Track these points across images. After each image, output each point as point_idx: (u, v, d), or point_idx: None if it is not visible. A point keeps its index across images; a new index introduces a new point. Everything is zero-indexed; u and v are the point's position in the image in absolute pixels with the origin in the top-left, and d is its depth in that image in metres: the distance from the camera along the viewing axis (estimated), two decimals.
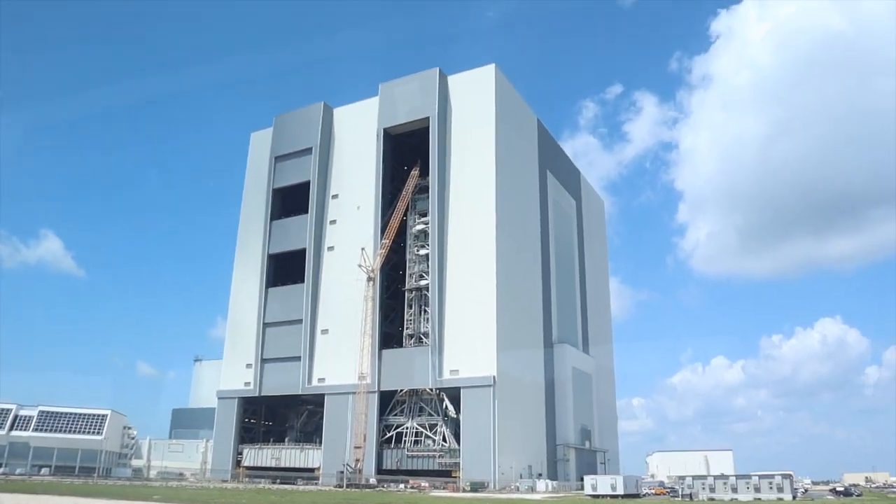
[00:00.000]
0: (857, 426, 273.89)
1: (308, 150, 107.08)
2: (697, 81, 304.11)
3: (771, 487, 54.30)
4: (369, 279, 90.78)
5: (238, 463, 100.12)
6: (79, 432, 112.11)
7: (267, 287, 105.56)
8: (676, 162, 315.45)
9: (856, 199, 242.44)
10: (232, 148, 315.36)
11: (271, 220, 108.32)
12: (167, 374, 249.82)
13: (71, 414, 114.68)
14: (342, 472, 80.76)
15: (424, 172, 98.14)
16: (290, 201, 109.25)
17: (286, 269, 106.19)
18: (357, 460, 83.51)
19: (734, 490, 56.02)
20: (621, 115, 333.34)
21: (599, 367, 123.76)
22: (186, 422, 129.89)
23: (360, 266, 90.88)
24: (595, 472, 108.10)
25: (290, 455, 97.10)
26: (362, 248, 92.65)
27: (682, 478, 64.18)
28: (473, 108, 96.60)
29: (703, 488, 57.83)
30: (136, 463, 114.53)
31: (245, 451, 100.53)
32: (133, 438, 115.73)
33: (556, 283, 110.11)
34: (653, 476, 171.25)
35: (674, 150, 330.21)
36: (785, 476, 54.92)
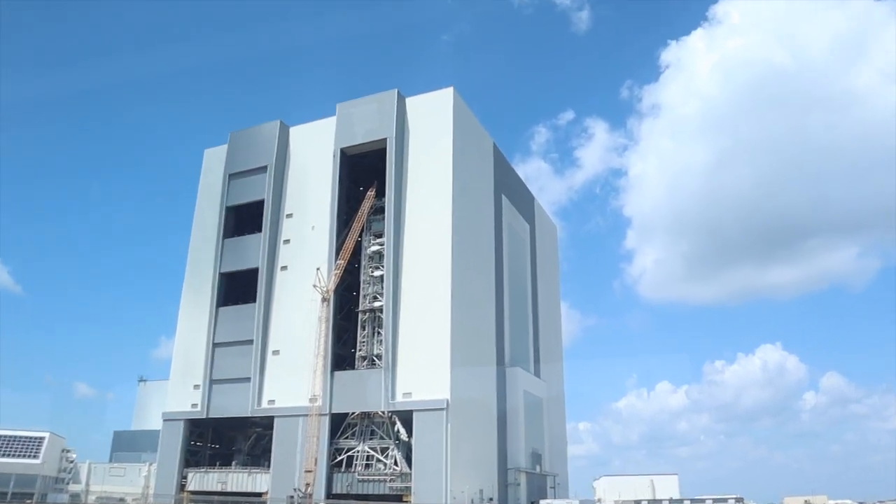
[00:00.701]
0: (794, 450, 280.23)
1: (263, 169, 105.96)
2: (647, 110, 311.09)
3: None
4: (324, 300, 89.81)
5: (182, 487, 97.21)
6: (13, 456, 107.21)
7: (217, 306, 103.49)
8: (625, 188, 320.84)
9: (795, 230, 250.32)
10: (180, 166, 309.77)
11: (224, 238, 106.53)
12: (106, 394, 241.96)
13: (5, 436, 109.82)
14: (292, 497, 79.14)
15: (380, 193, 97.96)
16: (243, 219, 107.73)
17: (238, 288, 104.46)
18: (307, 484, 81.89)
19: None
20: (573, 141, 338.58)
21: (550, 390, 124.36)
22: (128, 444, 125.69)
23: (314, 286, 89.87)
24: (545, 497, 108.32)
25: (237, 479, 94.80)
26: (318, 269, 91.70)
27: (638, 502, 64.66)
28: (431, 130, 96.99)
29: None
30: (74, 488, 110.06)
31: (190, 475, 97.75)
32: (72, 462, 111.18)
33: (509, 307, 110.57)
34: (599, 500, 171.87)
35: (623, 177, 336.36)
36: (737, 500, 55.78)
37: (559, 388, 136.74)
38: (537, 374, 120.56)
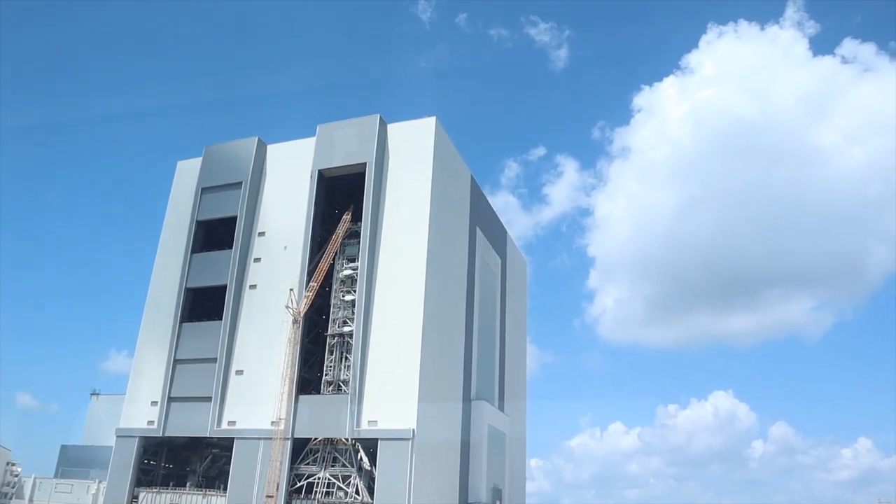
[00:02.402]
0: (741, 497, 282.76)
1: (237, 185, 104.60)
2: (617, 151, 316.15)
3: None
4: (295, 321, 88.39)
5: None
6: None
7: (181, 322, 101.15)
8: (591, 228, 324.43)
9: (754, 280, 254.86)
10: (143, 182, 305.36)
11: (192, 252, 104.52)
12: (50, 406, 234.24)
13: None
14: None
15: (356, 217, 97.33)
16: (213, 235, 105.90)
17: (203, 304, 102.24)
18: None
19: None
20: (542, 177, 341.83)
21: (513, 426, 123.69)
22: (76, 460, 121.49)
23: (287, 307, 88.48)
24: None
25: (190, 501, 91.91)
26: (291, 289, 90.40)
27: None
28: (411, 158, 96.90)
29: None
30: (16, 503, 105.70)
31: (142, 496, 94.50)
32: (16, 476, 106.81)
33: (477, 340, 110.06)
34: None
35: (589, 217, 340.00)
36: None
37: (522, 424, 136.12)
38: (501, 408, 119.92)
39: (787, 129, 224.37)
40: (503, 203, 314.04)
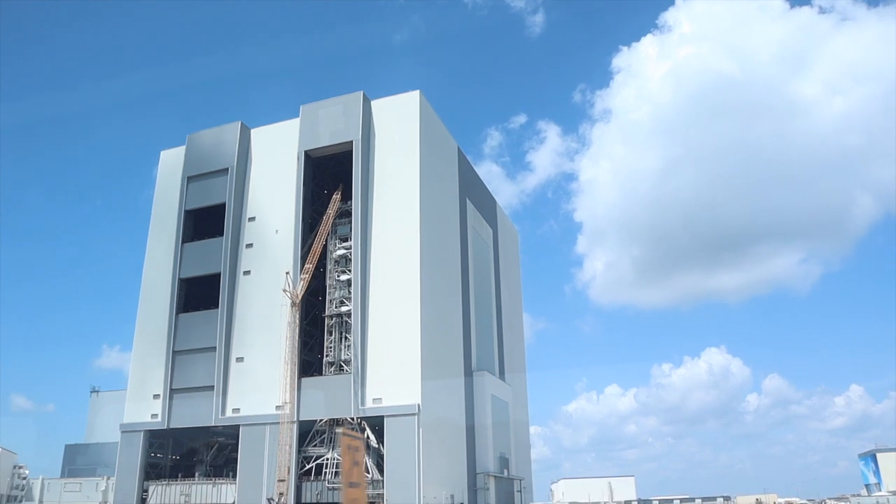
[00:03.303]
0: (738, 451, 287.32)
1: (224, 171, 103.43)
2: (599, 114, 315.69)
3: None
4: (293, 304, 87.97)
5: (143, 501, 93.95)
6: None
7: (177, 313, 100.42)
8: (577, 192, 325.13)
9: (741, 236, 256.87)
10: (130, 173, 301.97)
11: (183, 242, 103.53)
12: (46, 407, 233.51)
13: None
14: None
15: (346, 197, 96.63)
16: (203, 223, 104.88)
17: (198, 294, 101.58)
18: (281, 494, 79.97)
19: None
20: (525, 145, 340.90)
21: (515, 394, 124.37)
22: (82, 459, 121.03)
23: (284, 291, 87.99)
24: (513, 501, 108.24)
25: (201, 491, 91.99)
26: (287, 273, 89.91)
27: (628, 502, 64.74)
28: (398, 133, 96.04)
29: None
30: None
31: (151, 489, 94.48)
32: (24, 479, 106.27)
33: (474, 311, 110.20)
34: (557, 503, 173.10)
35: (574, 181, 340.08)
36: (725, 499, 56.35)
37: (523, 392, 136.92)
38: (502, 377, 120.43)
39: (767, 84, 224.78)
40: (487, 173, 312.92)
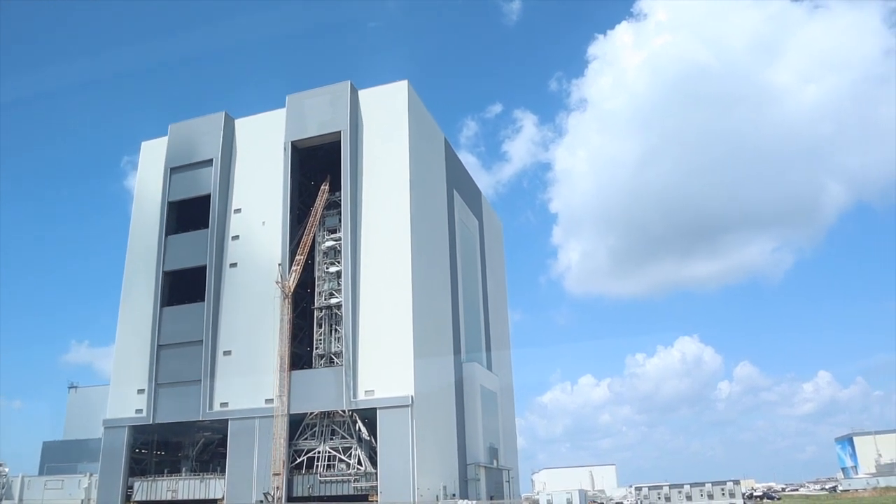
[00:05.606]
0: (710, 438, 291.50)
1: (208, 162, 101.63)
2: (575, 104, 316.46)
3: (723, 493, 56.01)
4: (286, 296, 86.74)
5: (128, 498, 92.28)
6: None
7: (161, 306, 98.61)
8: (552, 182, 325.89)
9: (715, 225, 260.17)
10: (99, 165, 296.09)
11: (166, 235, 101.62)
12: (13, 403, 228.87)
13: None
14: (261, 502, 76.09)
15: (334, 187, 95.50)
16: (187, 215, 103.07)
17: (183, 287, 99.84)
18: (276, 487, 78.95)
19: (689, 498, 57.31)
20: (500, 134, 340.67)
21: (502, 384, 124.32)
22: (60, 455, 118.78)
23: (276, 283, 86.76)
24: (502, 492, 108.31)
25: (188, 486, 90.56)
26: (279, 264, 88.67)
27: (639, 489, 65.00)
28: (386, 123, 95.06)
29: (659, 498, 58.88)
30: None
31: (136, 485, 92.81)
32: (4, 476, 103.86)
33: (463, 302, 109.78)
34: (538, 493, 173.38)
35: (550, 171, 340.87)
36: (735, 482, 56.74)
37: (509, 383, 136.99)
38: (489, 368, 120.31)
39: (741, 72, 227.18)
40: (463, 163, 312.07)
